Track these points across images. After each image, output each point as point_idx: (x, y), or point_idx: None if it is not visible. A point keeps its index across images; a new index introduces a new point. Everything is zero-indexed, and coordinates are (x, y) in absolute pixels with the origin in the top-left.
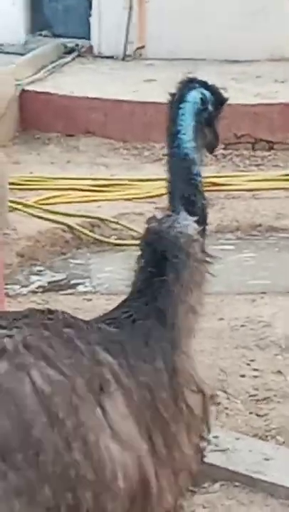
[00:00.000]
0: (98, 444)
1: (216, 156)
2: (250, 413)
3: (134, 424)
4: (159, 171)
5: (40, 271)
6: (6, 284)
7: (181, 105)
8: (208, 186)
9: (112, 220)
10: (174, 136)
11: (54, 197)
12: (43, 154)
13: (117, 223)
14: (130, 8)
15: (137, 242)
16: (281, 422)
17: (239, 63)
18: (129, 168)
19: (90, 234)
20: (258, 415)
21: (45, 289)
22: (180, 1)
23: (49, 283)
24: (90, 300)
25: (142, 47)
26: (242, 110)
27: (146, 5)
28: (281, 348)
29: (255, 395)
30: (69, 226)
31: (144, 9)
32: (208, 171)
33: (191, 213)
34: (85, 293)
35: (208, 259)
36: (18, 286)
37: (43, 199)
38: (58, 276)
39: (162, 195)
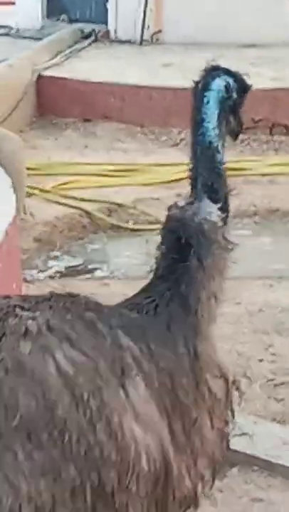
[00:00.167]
0: (122, 425)
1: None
2: (269, 397)
3: (156, 408)
4: (177, 155)
5: (58, 256)
6: (24, 270)
7: (206, 93)
8: (226, 171)
9: (129, 205)
10: (199, 124)
11: (71, 182)
12: (60, 139)
13: (134, 208)
14: None
15: (154, 227)
16: None
17: (256, 47)
18: (147, 153)
19: (107, 219)
20: (276, 399)
21: (62, 274)
22: None
23: (66, 268)
24: (107, 285)
25: (159, 31)
26: (259, 95)
27: None
28: None
29: (273, 380)
30: (86, 211)
31: None
32: (226, 156)
33: (214, 201)
34: (102, 278)
35: (230, 246)
36: (35, 272)
37: (61, 184)
38: (75, 262)
39: (180, 180)
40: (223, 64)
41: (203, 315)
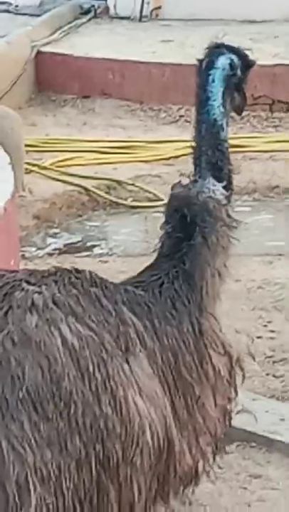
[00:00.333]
0: (127, 398)
1: (233, 117)
2: (267, 374)
3: (158, 384)
4: (176, 132)
5: (56, 233)
6: (22, 247)
7: (211, 71)
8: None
9: (129, 182)
10: (204, 102)
11: (70, 159)
12: (59, 116)
13: (133, 185)
14: None
15: (154, 204)
16: None
17: (256, 23)
18: (146, 130)
19: (106, 196)
20: (274, 376)
21: (61, 252)
22: None
23: (65, 245)
24: (106, 262)
25: (159, 7)
26: (259, 71)
27: None
28: None
29: (271, 356)
30: (85, 188)
31: None
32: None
33: (218, 179)
34: (101, 255)
35: (234, 223)
36: (34, 249)
37: (59, 161)
38: (74, 239)
39: (179, 156)
40: (224, 40)
41: (208, 292)
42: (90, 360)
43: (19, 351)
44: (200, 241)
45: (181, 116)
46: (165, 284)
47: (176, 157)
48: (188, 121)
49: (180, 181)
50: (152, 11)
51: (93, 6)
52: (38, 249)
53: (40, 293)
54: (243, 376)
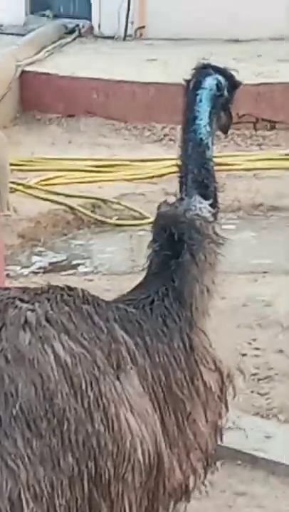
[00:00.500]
0: (118, 415)
1: (217, 135)
2: (252, 392)
3: (148, 401)
4: (161, 151)
5: (41, 252)
6: (7, 265)
7: (198, 91)
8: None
9: (114, 200)
10: (191, 121)
11: (55, 178)
12: (44, 135)
13: (118, 204)
14: None
15: (138, 222)
16: (282, 401)
17: (240, 42)
18: (131, 149)
19: (91, 214)
20: (259, 394)
21: (46, 270)
22: None
23: (50, 264)
24: (92, 280)
25: (143, 27)
26: (243, 90)
27: None
28: (282, 327)
29: (256, 374)
30: (70, 207)
31: None
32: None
33: (204, 197)
34: (86, 273)
35: (221, 240)
36: (19, 267)
37: (44, 180)
38: (59, 257)
39: (163, 175)
40: (201, 59)
41: (197, 308)
42: (82, 377)
43: (12, 369)
44: (188, 258)
45: (165, 134)
46: (156, 301)
47: (161, 176)
48: (173, 140)
49: (166, 200)
50: (136, 30)
51: (78, 25)
52: (23, 267)
53: (33, 310)
54: (234, 392)
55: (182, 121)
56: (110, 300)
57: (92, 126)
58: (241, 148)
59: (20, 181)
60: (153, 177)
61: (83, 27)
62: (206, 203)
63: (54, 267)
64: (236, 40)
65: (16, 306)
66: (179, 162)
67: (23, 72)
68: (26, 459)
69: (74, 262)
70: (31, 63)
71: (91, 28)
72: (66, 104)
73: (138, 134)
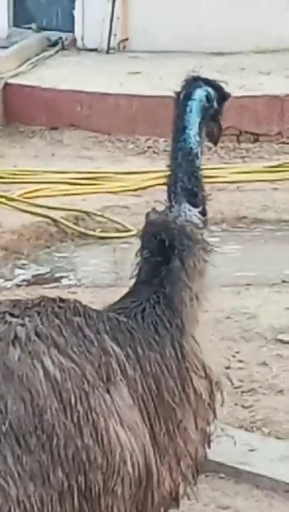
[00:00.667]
0: (108, 429)
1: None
2: (236, 405)
3: (138, 413)
4: (144, 163)
5: (25, 264)
6: None
7: (188, 102)
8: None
9: (97, 213)
10: (181, 131)
11: (38, 190)
12: (27, 147)
13: (101, 216)
14: (113, 0)
15: (122, 234)
16: (266, 414)
17: (223, 55)
18: (114, 161)
19: (75, 227)
20: (243, 407)
21: (29, 283)
22: None
23: (33, 276)
24: (75, 293)
25: (126, 39)
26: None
27: None
28: (266, 339)
29: (240, 387)
30: (53, 219)
31: (128, 2)
32: None
33: (193, 205)
34: (70, 286)
35: (209, 248)
36: (2, 280)
37: (27, 192)
38: (43, 270)
39: (147, 187)
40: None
41: (188, 315)
42: (72, 392)
43: (2, 385)
44: (178, 264)
45: (148, 147)
46: (147, 309)
47: (144, 188)
48: (156, 153)
49: (154, 208)
50: (119, 42)
51: (61, 38)
52: (6, 280)
53: (23, 325)
54: (222, 399)
55: (172, 131)
56: (103, 308)
57: (76, 138)
58: (225, 161)
59: (3, 194)
60: (137, 189)
61: (66, 39)
62: (195, 210)
63: (37, 280)
64: (219, 53)
65: (6, 322)
66: (168, 171)
67: (6, 84)
68: (16, 475)
69: (57, 275)
70: (15, 75)
71: (74, 40)
72: (49, 116)
73: (122, 146)
